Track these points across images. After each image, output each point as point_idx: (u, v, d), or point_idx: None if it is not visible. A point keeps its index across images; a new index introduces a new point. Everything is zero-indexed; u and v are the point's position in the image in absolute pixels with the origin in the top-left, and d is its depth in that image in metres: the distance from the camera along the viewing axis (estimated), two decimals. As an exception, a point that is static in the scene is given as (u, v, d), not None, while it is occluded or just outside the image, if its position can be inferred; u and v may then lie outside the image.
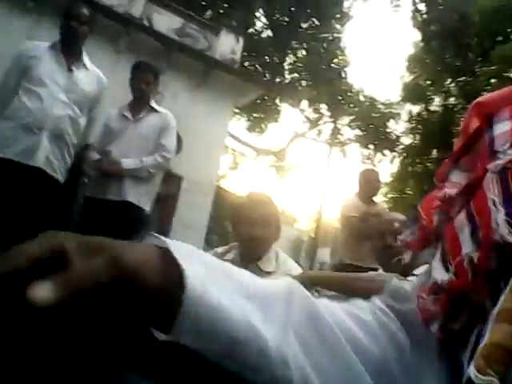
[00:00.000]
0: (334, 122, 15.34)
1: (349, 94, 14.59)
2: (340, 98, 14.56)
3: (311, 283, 2.06)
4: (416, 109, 13.25)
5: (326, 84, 13.68)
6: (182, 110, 6.07)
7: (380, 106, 14.45)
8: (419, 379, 0.52)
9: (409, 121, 13.54)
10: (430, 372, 0.54)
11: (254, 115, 14.60)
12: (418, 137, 13.26)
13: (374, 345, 0.53)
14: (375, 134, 14.28)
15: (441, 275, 0.51)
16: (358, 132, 15.04)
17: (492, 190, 0.48)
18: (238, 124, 15.54)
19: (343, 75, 14.48)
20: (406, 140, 14.01)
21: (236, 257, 2.47)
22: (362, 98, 14.71)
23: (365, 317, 0.54)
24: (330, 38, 14.14)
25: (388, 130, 14.38)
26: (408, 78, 13.54)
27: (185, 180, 7.27)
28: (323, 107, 15.19)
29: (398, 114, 14.02)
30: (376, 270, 5.06)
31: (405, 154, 13.68)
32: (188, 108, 7.12)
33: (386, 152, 14.43)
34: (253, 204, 2.49)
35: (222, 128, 8.46)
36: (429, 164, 12.66)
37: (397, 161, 14.10)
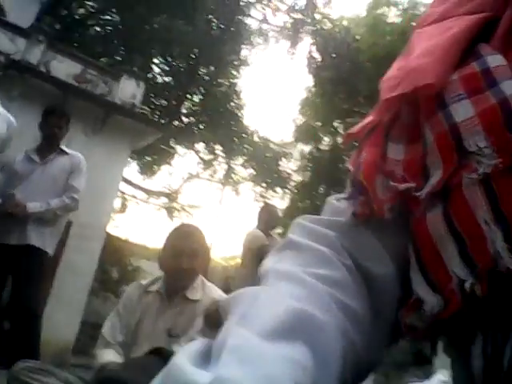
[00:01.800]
0: (229, 162, 15.67)
1: (243, 135, 15.02)
2: (235, 139, 14.94)
3: None
4: (307, 148, 13.96)
5: (222, 126, 14.01)
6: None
7: (273, 146, 15.01)
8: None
9: (300, 159, 14.19)
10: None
11: (147, 158, 14.52)
12: (308, 174, 13.93)
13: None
14: (268, 172, 14.75)
15: (427, 297, 0.48)
16: (251, 171, 15.46)
17: (480, 205, 0.45)
18: (129, 166, 15.38)
19: (239, 118, 14.91)
20: (297, 177, 14.63)
21: (161, 288, 2.48)
22: (256, 139, 15.20)
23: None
24: (227, 83, 14.58)
25: (280, 169, 14.94)
26: (300, 120, 14.29)
27: (74, 224, 7.02)
28: (218, 148, 15.47)
29: (291, 154, 14.65)
30: None
31: (295, 191, 14.27)
32: (83, 152, 6.95)
33: (278, 189, 14.97)
34: (181, 236, 2.53)
35: (117, 172, 8.31)
36: (316, 200, 13.26)
37: (287, 197, 14.68)
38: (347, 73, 12.54)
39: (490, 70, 0.48)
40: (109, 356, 2.34)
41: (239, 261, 5.76)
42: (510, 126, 0.45)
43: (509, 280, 0.43)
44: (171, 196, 15.74)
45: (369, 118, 0.58)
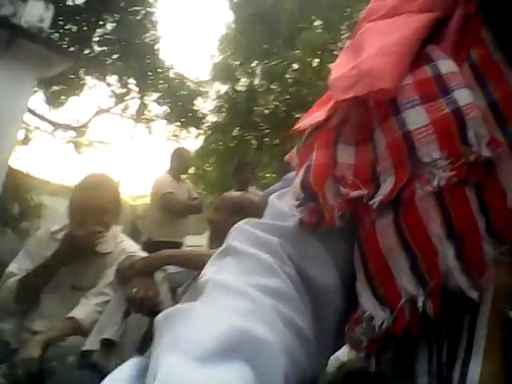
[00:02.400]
0: (142, 97, 15.15)
1: (158, 69, 14.51)
2: (150, 73, 14.40)
3: (172, 262, 2.10)
4: (224, 88, 13.78)
5: (136, 59, 13.42)
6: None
7: (189, 84, 14.65)
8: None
9: (216, 99, 14.00)
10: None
11: (55, 88, 13.68)
12: (223, 115, 13.82)
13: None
14: (183, 111, 14.46)
15: (376, 311, 0.47)
16: (165, 109, 15.08)
17: (432, 218, 0.44)
18: (35, 96, 14.44)
19: (154, 51, 14.33)
20: (212, 118, 14.50)
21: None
22: (171, 75, 14.74)
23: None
24: (143, 11, 13.85)
25: (195, 108, 14.68)
26: (218, 57, 13.97)
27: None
28: (131, 82, 14.87)
29: (207, 93, 14.40)
30: (181, 244, 5.31)
31: (210, 132, 14.15)
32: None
33: (192, 129, 14.77)
34: (90, 188, 2.41)
35: (21, 101, 7.77)
36: (230, 142, 13.24)
37: (201, 138, 14.54)
38: (268, 12, 12.34)
39: (442, 76, 0.48)
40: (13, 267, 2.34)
41: (148, 200, 5.72)
42: (464, 138, 0.44)
43: (460, 299, 0.42)
44: (79, 130, 15.04)
45: (316, 115, 0.56)
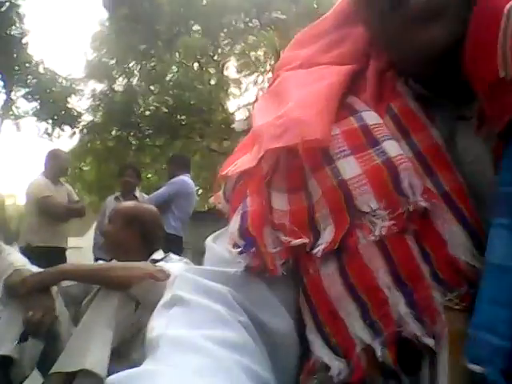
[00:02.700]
0: (9, 92, 14.20)
1: (27, 64, 13.68)
2: (17, 68, 13.52)
3: (67, 277, 2.00)
4: (100, 87, 13.37)
5: (2, 52, 12.54)
6: None
7: (62, 81, 14.00)
8: None
9: (92, 98, 13.54)
10: None
11: None
12: (100, 114, 13.39)
13: None
14: (55, 108, 13.77)
15: (331, 361, 0.45)
16: (35, 105, 14.27)
17: (378, 267, 0.44)
18: None
19: (22, 45, 13.47)
20: (88, 117, 13.99)
21: None
22: (41, 71, 13.97)
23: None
24: (7, 2, 12.96)
25: (69, 106, 14.05)
26: (92, 55, 13.51)
27: None
28: (-5, 76, 13.86)
29: (81, 91, 13.86)
30: (64, 249, 5.12)
31: (85, 131, 13.64)
32: None
33: (66, 128, 14.12)
34: None
35: None
36: (109, 142, 12.86)
37: (76, 137, 13.98)
38: (145, 13, 12.17)
39: (368, 127, 0.50)
40: None
41: (19, 201, 5.47)
42: (398, 188, 0.45)
43: (417, 346, 0.42)
44: None
45: (244, 161, 0.56)
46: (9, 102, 14.20)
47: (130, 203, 2.67)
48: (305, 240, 0.48)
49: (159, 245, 2.37)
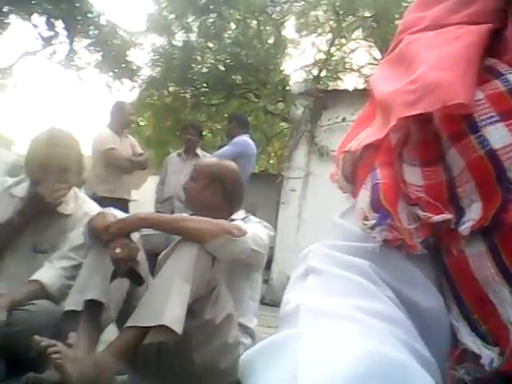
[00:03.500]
0: (71, 43, 14.44)
1: (89, 15, 13.82)
2: (79, 18, 13.68)
3: (147, 225, 2.07)
4: (159, 41, 13.40)
5: (65, 1, 12.69)
6: None
7: (122, 33, 14.12)
8: None
9: (151, 52, 13.63)
10: None
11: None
12: (158, 69, 13.47)
13: None
14: (115, 61, 13.91)
15: (481, 350, 0.42)
16: (97, 57, 14.46)
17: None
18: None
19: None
20: (147, 71, 14.10)
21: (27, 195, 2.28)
22: (103, 22, 14.11)
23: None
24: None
25: (129, 59, 14.18)
26: (153, 8, 13.51)
27: None
28: (59, 25, 14.08)
29: (141, 45, 13.96)
30: (128, 200, 5.28)
31: (144, 85, 13.77)
32: None
33: (125, 81, 14.29)
34: (52, 145, 2.30)
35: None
36: (166, 98, 12.90)
37: (135, 91, 14.15)
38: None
39: None
40: None
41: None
42: None
43: None
44: (4, 72, 14.18)
45: (369, 134, 0.52)
46: (71, 52, 14.50)
47: (212, 160, 2.70)
48: (448, 216, 0.44)
49: (240, 204, 2.40)
